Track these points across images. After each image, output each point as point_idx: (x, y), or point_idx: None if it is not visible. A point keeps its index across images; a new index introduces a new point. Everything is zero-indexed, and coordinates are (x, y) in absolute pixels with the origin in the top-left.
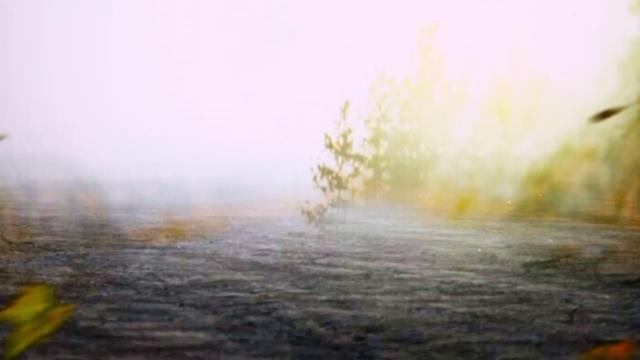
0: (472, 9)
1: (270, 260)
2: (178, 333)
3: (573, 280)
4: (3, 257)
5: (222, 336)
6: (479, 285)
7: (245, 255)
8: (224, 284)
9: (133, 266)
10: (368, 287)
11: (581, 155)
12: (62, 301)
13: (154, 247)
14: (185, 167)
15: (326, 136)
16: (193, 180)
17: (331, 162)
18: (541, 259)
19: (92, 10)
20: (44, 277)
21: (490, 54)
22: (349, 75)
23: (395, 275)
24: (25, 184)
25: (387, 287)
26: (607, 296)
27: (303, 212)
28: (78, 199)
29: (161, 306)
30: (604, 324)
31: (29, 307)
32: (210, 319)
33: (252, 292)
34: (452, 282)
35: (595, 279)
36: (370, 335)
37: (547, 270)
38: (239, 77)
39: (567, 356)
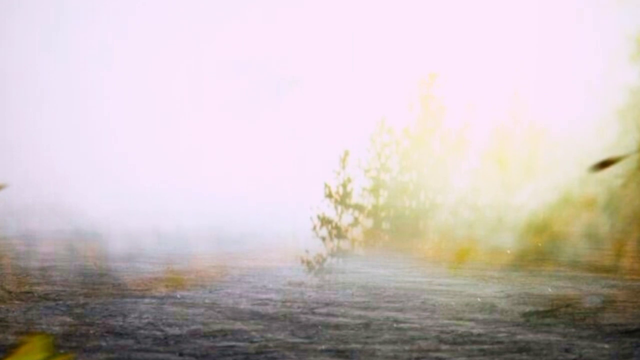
0: (472, 59)
1: (269, 309)
2: None
3: (573, 330)
4: (3, 306)
5: None
6: (479, 335)
7: (244, 305)
8: (224, 333)
9: (132, 315)
10: (367, 337)
11: (581, 204)
12: (62, 351)
13: (154, 297)
14: (184, 216)
15: (326, 186)
16: (192, 230)
17: (331, 212)
18: (541, 309)
19: (91, 61)
20: (44, 326)
21: (490, 103)
22: (348, 124)
23: (394, 325)
24: (25, 233)
25: (386, 336)
26: (606, 346)
27: (302, 261)
28: (77, 248)
29: (161, 356)
30: None
31: (29, 356)
32: None
33: (252, 342)
34: (452, 331)
35: (594, 328)
36: None
37: (547, 320)
38: (239, 126)
39: None
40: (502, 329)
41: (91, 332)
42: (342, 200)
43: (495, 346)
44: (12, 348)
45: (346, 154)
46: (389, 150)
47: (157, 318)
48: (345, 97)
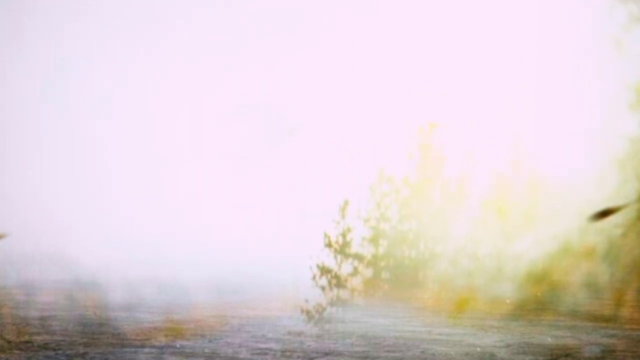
0: (472, 108)
1: (269, 359)
2: None
3: None
4: (2, 356)
5: None
6: None
7: (244, 355)
8: None
9: None
10: None
11: (580, 254)
12: None
13: (153, 347)
14: (184, 266)
15: (325, 235)
16: (192, 279)
17: (330, 261)
18: (540, 358)
19: (91, 109)
20: None
21: (490, 152)
22: (348, 173)
23: None
24: (24, 282)
25: None
26: None
27: (302, 311)
28: (77, 297)
29: None
30: None
31: None
32: None
33: None
34: None
35: None
36: None
37: None
38: (238, 175)
39: None
40: None
41: None
42: (342, 250)
43: None
44: None
45: (346, 203)
46: (388, 199)
47: None
48: (345, 146)
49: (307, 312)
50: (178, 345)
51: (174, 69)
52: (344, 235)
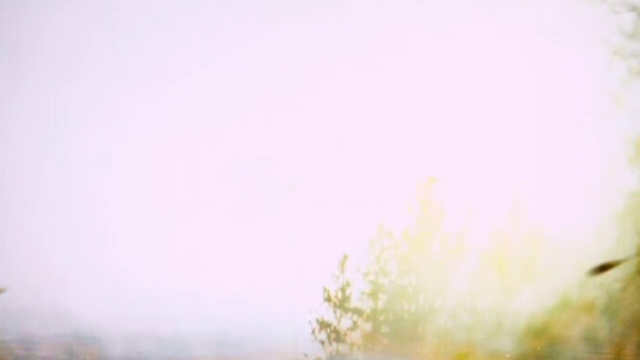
0: (472, 163)
1: None
2: None
3: None
4: None
5: None
6: None
7: None
8: None
9: None
10: None
11: (580, 308)
12: None
13: None
14: (184, 320)
15: (325, 289)
16: (192, 334)
17: (330, 316)
18: None
19: (91, 164)
20: None
21: (490, 206)
22: (347, 227)
23: None
24: (24, 337)
25: None
26: None
27: None
28: (77, 352)
29: None
30: None
31: None
32: None
33: None
34: None
35: None
36: None
37: None
38: (238, 229)
39: None
40: None
41: None
42: (341, 304)
43: None
44: None
45: (345, 257)
46: (388, 254)
47: None
48: (345, 201)
49: None
50: None
51: (174, 123)
52: (343, 290)
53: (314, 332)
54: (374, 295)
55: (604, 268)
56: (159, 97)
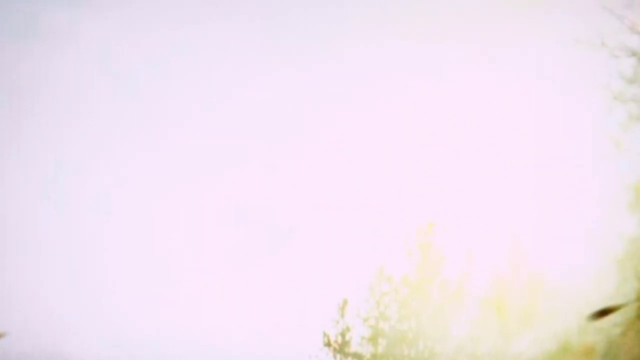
0: (472, 208)
1: None
2: None
3: None
4: None
5: None
6: None
7: None
8: None
9: None
10: None
11: (579, 353)
12: None
13: None
14: None
15: (324, 334)
16: None
17: None
18: None
19: (91, 209)
20: None
21: (489, 251)
22: (347, 272)
23: None
24: None
25: None
26: None
27: None
28: None
29: None
30: None
31: None
32: None
33: None
34: None
35: None
36: None
37: None
38: (238, 274)
39: None
40: None
41: None
42: (341, 349)
43: None
44: None
45: (345, 302)
46: (387, 298)
47: None
48: (344, 246)
49: None
50: None
51: (174, 169)
52: (343, 334)
53: None
54: (373, 339)
55: (603, 313)
56: (158, 143)
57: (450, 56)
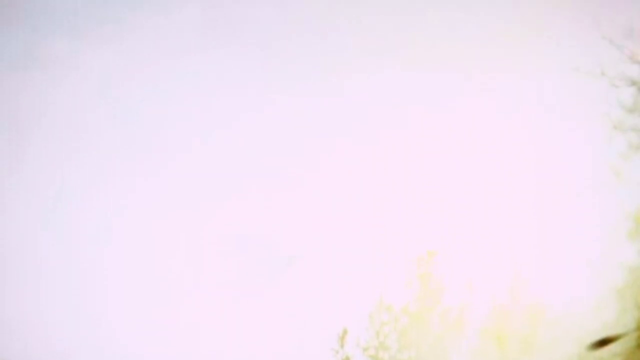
0: (472, 237)
1: None
2: None
3: None
4: None
5: None
6: None
7: None
8: None
9: None
10: None
11: None
12: None
13: None
14: None
15: None
16: None
17: None
18: None
19: (90, 238)
20: None
21: (490, 281)
22: (347, 302)
23: None
24: None
25: None
26: None
27: None
28: None
29: None
30: None
31: None
32: None
33: None
34: None
35: None
36: None
37: None
38: (237, 304)
39: None
40: None
41: None
42: None
43: None
44: None
45: (344, 332)
46: (387, 328)
47: None
48: (344, 275)
49: None
50: None
51: (173, 199)
52: None
53: None
54: None
55: (604, 342)
56: (158, 173)
57: (450, 85)
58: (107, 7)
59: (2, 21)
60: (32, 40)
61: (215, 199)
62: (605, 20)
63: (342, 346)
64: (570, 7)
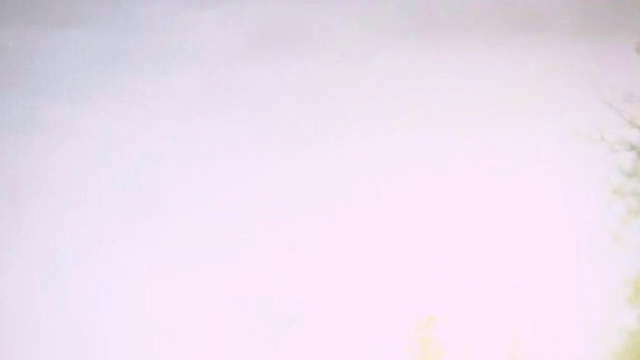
0: (471, 302)
1: None
2: None
3: None
4: None
5: None
6: None
7: None
8: None
9: None
10: None
11: None
12: None
13: None
14: None
15: None
16: None
17: None
18: None
19: (90, 300)
20: None
21: (489, 345)
22: None
23: None
24: None
25: None
26: None
27: None
28: None
29: None
30: None
31: None
32: None
33: None
34: None
35: None
36: None
37: None
38: None
39: None
40: None
41: None
42: None
43: None
44: None
45: None
46: None
47: None
48: (343, 338)
49: None
50: None
51: (173, 262)
52: None
53: None
54: None
55: None
56: (158, 234)
57: (450, 149)
58: (106, 71)
59: (2, 85)
60: (32, 105)
61: (214, 260)
62: (605, 85)
63: None
64: (570, 71)
